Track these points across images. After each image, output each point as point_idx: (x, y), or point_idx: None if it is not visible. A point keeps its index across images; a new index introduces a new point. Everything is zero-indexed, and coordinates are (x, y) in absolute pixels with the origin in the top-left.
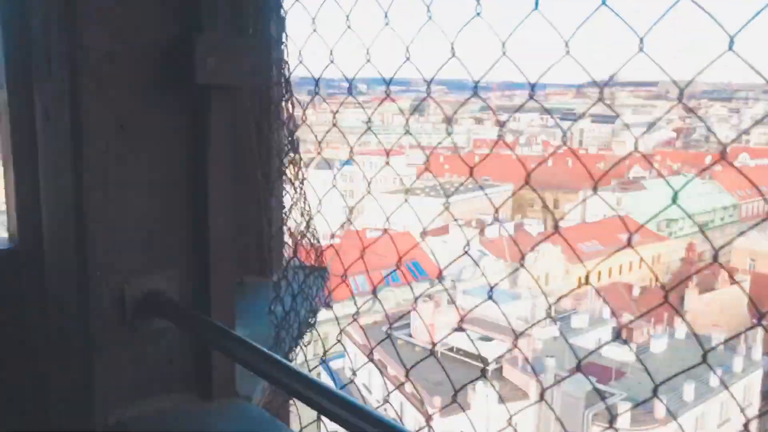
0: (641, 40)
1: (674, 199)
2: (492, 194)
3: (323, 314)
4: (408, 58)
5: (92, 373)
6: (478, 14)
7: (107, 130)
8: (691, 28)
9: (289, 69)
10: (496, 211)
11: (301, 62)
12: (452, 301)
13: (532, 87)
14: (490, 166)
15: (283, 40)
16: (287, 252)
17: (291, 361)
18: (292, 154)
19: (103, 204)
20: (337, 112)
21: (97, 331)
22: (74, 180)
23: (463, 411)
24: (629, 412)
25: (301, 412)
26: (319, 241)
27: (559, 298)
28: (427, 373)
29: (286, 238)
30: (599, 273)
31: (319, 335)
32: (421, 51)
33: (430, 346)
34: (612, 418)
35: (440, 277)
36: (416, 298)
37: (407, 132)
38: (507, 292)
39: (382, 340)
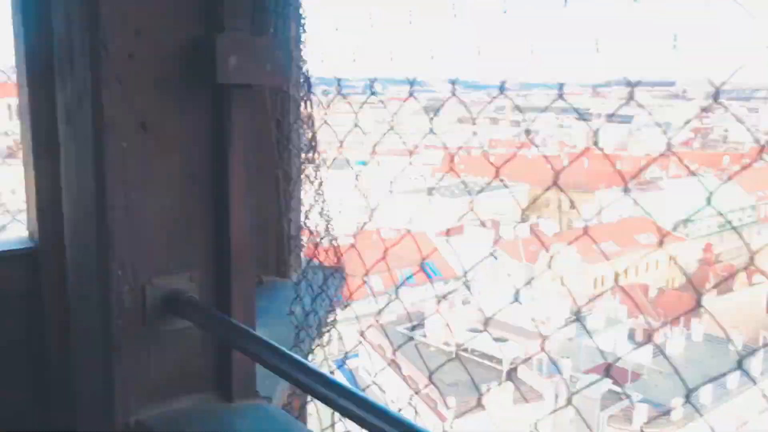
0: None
1: (708, 201)
2: (508, 195)
3: (338, 314)
4: (431, 57)
5: (113, 374)
6: (504, 12)
7: (129, 130)
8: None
9: (308, 68)
10: (524, 211)
11: (319, 62)
12: (467, 302)
13: (560, 87)
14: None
15: (303, 39)
16: (305, 252)
17: (310, 361)
18: (311, 154)
19: (124, 204)
20: (357, 111)
21: (118, 332)
22: (96, 179)
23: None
24: (646, 414)
25: (320, 414)
26: (337, 241)
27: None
28: (441, 374)
29: (305, 238)
30: (615, 273)
31: (339, 335)
32: (439, 51)
33: (444, 347)
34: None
35: (456, 277)
36: (442, 297)
37: (429, 131)
38: (522, 293)
39: (404, 344)
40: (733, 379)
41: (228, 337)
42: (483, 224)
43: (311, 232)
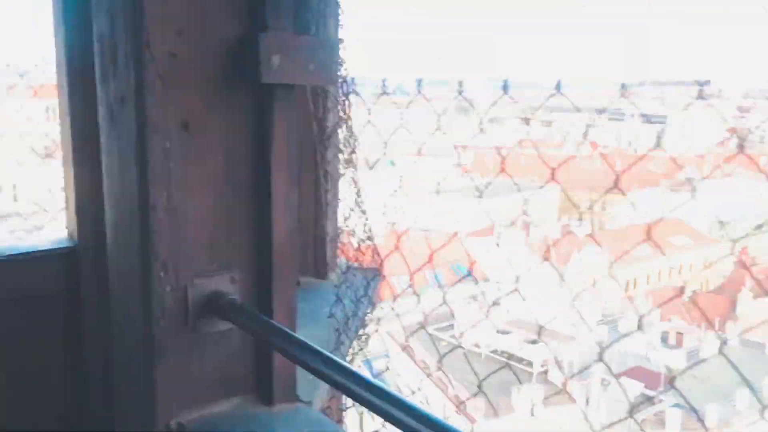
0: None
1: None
2: (538, 195)
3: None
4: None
5: (154, 375)
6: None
7: (171, 130)
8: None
9: (346, 68)
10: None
11: (356, 61)
12: (497, 303)
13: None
14: (534, 167)
15: (341, 38)
16: (342, 252)
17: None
18: (350, 154)
19: (167, 204)
20: (403, 111)
21: (159, 333)
22: (139, 179)
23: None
24: (679, 419)
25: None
26: (374, 242)
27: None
28: (470, 376)
29: (342, 239)
30: (648, 276)
31: (378, 334)
32: (471, 51)
33: (475, 348)
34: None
35: (485, 279)
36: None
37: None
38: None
39: (453, 349)
40: None
41: (270, 339)
42: (513, 225)
43: (350, 233)
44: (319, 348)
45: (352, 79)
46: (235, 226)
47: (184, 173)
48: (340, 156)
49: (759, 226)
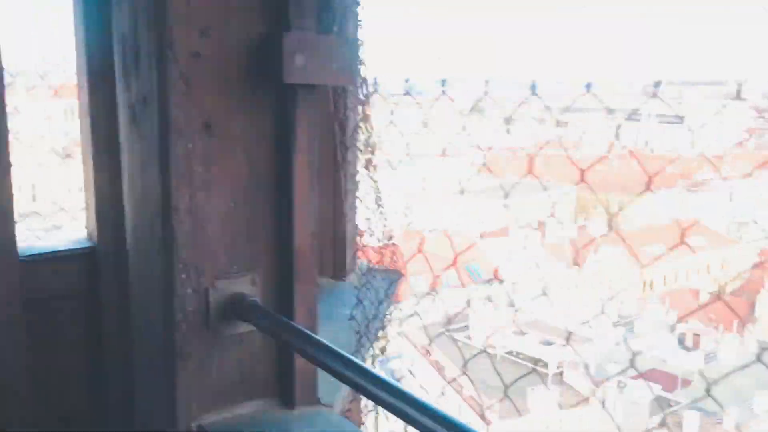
0: None
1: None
2: (554, 196)
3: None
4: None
5: (175, 377)
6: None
7: (194, 131)
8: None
9: (366, 68)
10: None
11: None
12: (512, 304)
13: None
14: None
15: (361, 38)
16: (363, 254)
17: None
18: (370, 155)
19: (188, 205)
20: (429, 109)
21: (181, 335)
22: (161, 180)
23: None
24: (697, 422)
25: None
26: (393, 243)
27: None
28: (485, 376)
29: (360, 239)
30: (664, 277)
31: (403, 335)
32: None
33: (489, 349)
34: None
35: (501, 280)
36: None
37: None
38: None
39: (475, 355)
40: None
41: (291, 341)
42: (529, 225)
43: (369, 234)
44: (340, 350)
45: (375, 78)
46: (256, 227)
47: (206, 174)
48: (360, 156)
49: None
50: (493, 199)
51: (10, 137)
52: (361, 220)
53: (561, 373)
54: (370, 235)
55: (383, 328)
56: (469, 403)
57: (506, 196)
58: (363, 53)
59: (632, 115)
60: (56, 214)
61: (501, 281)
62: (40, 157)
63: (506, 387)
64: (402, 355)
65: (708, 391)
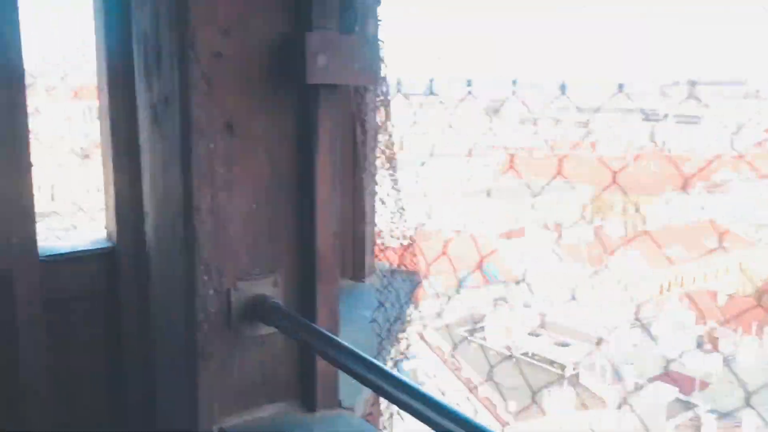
0: None
1: None
2: (571, 197)
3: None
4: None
5: (197, 379)
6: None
7: (215, 131)
8: None
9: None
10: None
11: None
12: (528, 305)
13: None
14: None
15: (380, 38)
16: (384, 255)
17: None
18: (390, 155)
19: (210, 206)
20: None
21: (202, 337)
22: (183, 180)
23: None
24: (715, 425)
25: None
26: (413, 244)
27: None
28: (501, 377)
29: (382, 240)
30: (682, 279)
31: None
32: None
33: (505, 350)
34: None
35: (516, 280)
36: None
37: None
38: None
39: (502, 360)
40: None
41: (313, 344)
42: (545, 226)
43: (389, 235)
44: (362, 353)
45: (398, 79)
46: (278, 228)
47: (228, 175)
48: (379, 156)
49: None
50: (509, 199)
51: (31, 137)
52: (380, 220)
53: (577, 375)
54: (390, 236)
55: (403, 330)
56: (484, 403)
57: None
58: (383, 53)
59: (649, 116)
60: (75, 214)
61: (518, 282)
62: (60, 157)
63: (534, 393)
64: (418, 356)
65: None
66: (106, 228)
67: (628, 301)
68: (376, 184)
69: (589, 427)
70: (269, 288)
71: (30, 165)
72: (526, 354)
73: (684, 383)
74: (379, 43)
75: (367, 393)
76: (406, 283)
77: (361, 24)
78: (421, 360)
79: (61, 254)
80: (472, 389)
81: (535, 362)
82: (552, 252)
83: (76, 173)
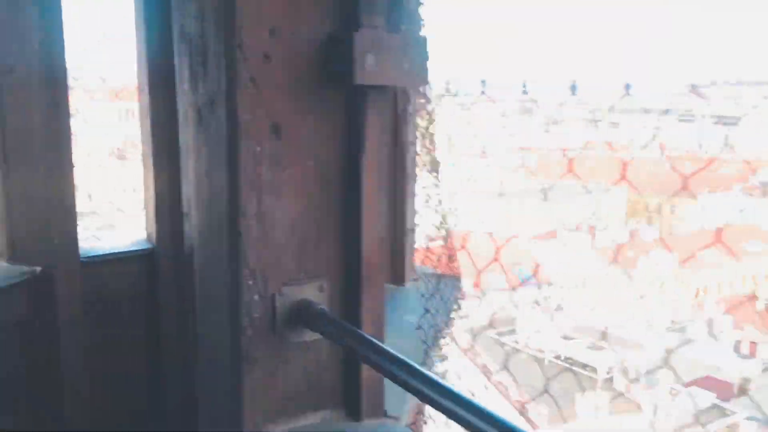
0: None
1: None
2: (604, 198)
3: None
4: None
5: (241, 385)
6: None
7: (262, 133)
8: None
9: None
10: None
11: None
12: (560, 308)
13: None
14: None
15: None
16: (428, 258)
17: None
18: (431, 156)
19: (256, 210)
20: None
21: (247, 342)
22: (229, 184)
23: None
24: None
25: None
26: (453, 247)
27: None
28: (533, 381)
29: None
30: (719, 283)
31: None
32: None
33: (537, 353)
34: None
35: (549, 282)
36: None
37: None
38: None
39: (534, 362)
40: None
41: (359, 350)
42: (579, 228)
43: (428, 237)
44: (409, 360)
45: (448, 79)
46: (324, 232)
47: (274, 178)
48: (419, 158)
49: None
50: (541, 201)
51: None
52: (419, 222)
53: (611, 379)
54: (430, 239)
55: (445, 336)
56: (515, 406)
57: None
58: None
59: (684, 116)
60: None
61: (549, 284)
62: (98, 157)
63: (567, 397)
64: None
65: None
66: (146, 229)
67: (664, 304)
68: (415, 185)
69: None
70: (314, 293)
71: (72, 165)
72: (558, 357)
73: (721, 389)
74: (427, 42)
75: (413, 402)
76: (449, 288)
77: (409, 23)
78: (451, 361)
79: (102, 255)
80: (502, 390)
81: (567, 365)
82: (585, 254)
83: (112, 173)
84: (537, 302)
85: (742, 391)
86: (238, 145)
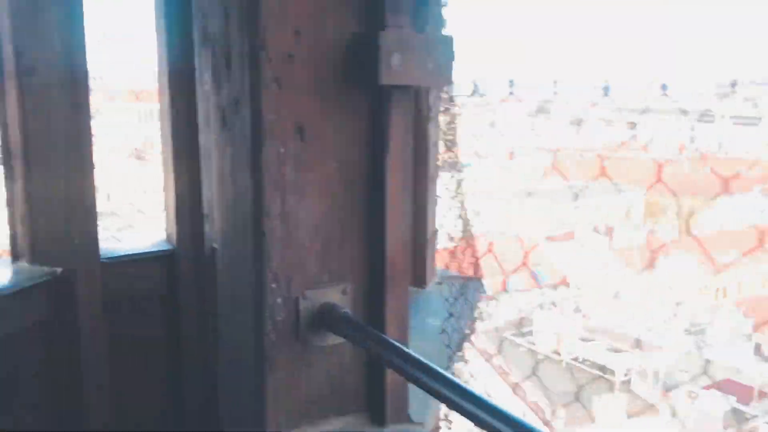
0: None
1: None
2: (622, 199)
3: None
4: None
5: (264, 389)
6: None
7: (286, 134)
8: None
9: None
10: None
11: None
12: (578, 310)
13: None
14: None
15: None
16: (454, 261)
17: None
18: (453, 156)
19: (280, 211)
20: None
21: (270, 345)
22: (253, 186)
23: None
24: None
25: None
26: (475, 249)
27: None
28: (550, 383)
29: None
30: (739, 284)
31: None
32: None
33: (554, 355)
34: None
35: (566, 284)
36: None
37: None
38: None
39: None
40: None
41: (383, 355)
42: (596, 229)
43: (449, 239)
44: (433, 365)
45: (475, 80)
46: (347, 235)
47: (298, 179)
48: (441, 158)
49: None
50: (560, 201)
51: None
52: (441, 223)
53: (629, 381)
54: (450, 240)
55: (468, 340)
56: (532, 408)
57: (575, 198)
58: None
59: (704, 116)
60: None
61: (567, 286)
62: (116, 158)
63: (583, 399)
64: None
65: None
66: (166, 230)
67: (681, 306)
68: (436, 185)
69: None
70: (338, 296)
71: (93, 166)
72: (575, 359)
73: (741, 392)
74: (452, 42)
75: (437, 407)
76: (473, 290)
77: (434, 23)
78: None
79: (122, 256)
80: (519, 393)
81: (584, 368)
82: (602, 255)
83: (131, 174)
84: (554, 304)
85: (763, 394)
86: (263, 146)
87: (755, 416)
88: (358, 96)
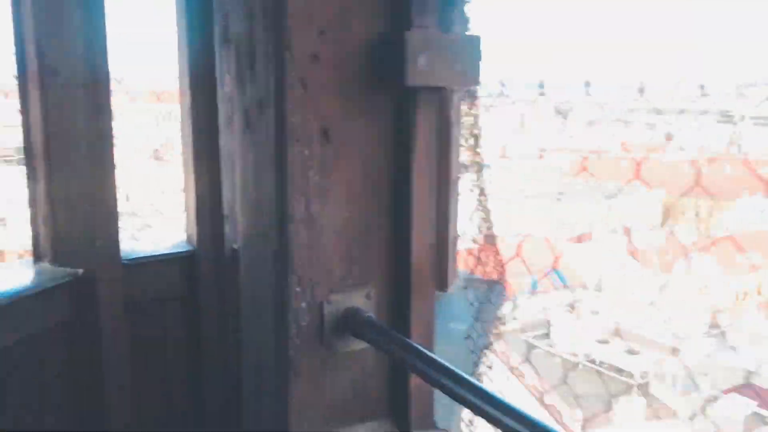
0: None
1: None
2: (640, 200)
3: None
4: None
5: (288, 394)
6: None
7: (311, 137)
8: None
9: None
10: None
11: None
12: (596, 312)
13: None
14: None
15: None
16: (480, 263)
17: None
18: (476, 157)
19: (304, 215)
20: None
21: (294, 350)
22: (277, 189)
23: None
24: None
25: None
26: (499, 252)
27: None
28: (567, 385)
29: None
30: (759, 287)
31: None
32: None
33: (572, 357)
34: None
35: (584, 286)
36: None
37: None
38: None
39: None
40: None
41: (408, 360)
42: (615, 231)
43: (474, 242)
44: (458, 371)
45: (501, 80)
46: (372, 238)
47: (323, 182)
48: (462, 158)
49: None
50: (577, 202)
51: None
52: (463, 225)
53: (646, 384)
54: (473, 242)
55: (492, 345)
56: (549, 410)
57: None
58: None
59: (723, 117)
60: (152, 216)
61: (585, 287)
62: (137, 159)
63: (602, 402)
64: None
65: None
66: (186, 231)
67: (702, 308)
68: (458, 187)
69: None
70: (362, 300)
71: (114, 167)
72: (593, 362)
73: (764, 396)
74: (480, 42)
75: (462, 414)
76: (496, 294)
77: (461, 23)
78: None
79: (143, 257)
80: (538, 395)
81: (603, 370)
82: (622, 257)
83: (151, 175)
84: (571, 306)
85: None
86: (287, 148)
87: None
88: (383, 97)
